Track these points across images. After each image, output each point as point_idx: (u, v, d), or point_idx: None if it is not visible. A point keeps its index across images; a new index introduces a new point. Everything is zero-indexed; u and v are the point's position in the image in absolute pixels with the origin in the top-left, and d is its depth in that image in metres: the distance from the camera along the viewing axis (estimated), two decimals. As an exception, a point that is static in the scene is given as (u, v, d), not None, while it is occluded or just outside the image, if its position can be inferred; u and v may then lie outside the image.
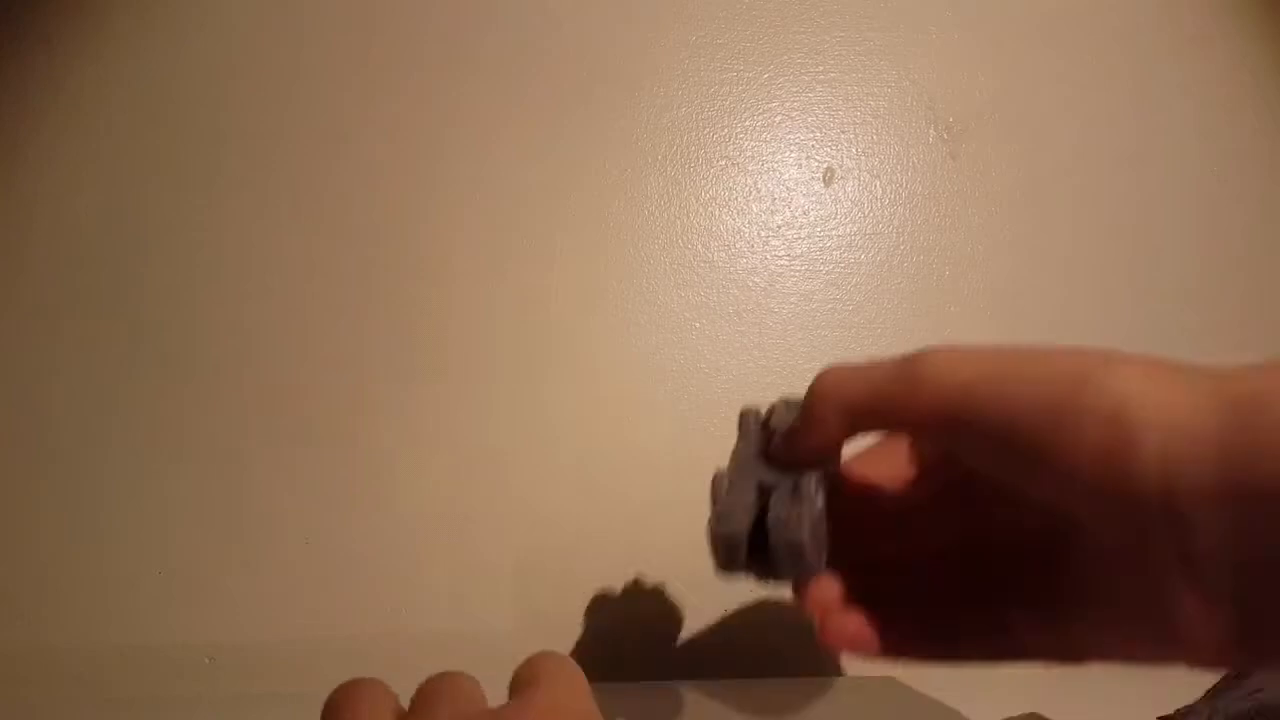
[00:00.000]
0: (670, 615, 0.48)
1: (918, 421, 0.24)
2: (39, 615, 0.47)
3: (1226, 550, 0.19)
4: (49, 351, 0.50)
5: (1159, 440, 0.19)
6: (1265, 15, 0.56)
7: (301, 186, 0.52)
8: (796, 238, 0.53)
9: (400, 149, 0.53)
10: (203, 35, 0.54)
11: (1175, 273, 0.54)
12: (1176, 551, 0.20)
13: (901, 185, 0.54)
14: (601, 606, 0.48)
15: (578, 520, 0.49)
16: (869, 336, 0.52)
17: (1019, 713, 0.39)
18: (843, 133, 0.55)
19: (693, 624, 0.48)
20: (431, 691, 0.22)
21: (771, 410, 0.31)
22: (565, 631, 0.48)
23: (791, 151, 0.55)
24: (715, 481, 0.29)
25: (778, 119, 0.55)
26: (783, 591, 0.29)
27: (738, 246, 0.53)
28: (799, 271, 0.53)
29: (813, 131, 0.55)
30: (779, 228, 0.54)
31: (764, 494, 0.27)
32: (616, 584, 0.48)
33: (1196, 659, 0.21)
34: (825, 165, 0.54)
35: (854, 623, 0.27)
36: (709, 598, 0.48)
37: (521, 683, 0.22)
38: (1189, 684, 0.38)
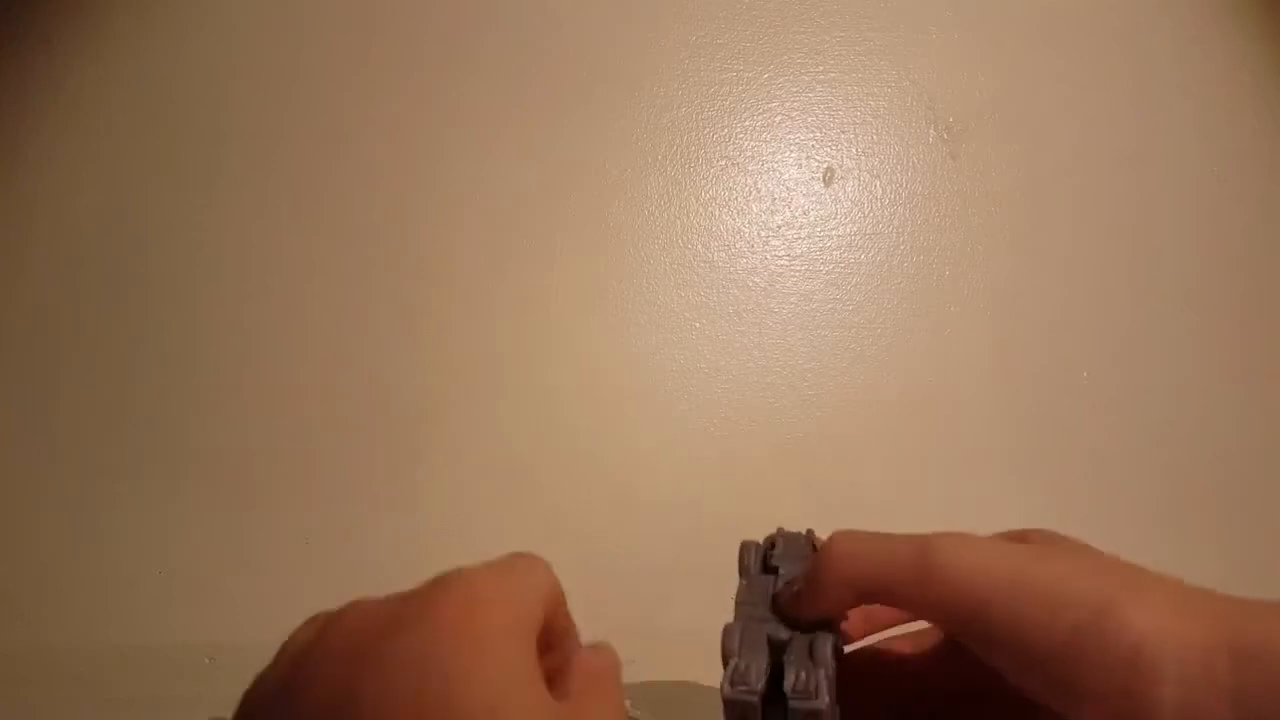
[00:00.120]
0: (669, 614, 0.48)
1: (926, 614, 0.25)
2: (39, 615, 0.47)
3: None
4: (49, 351, 0.50)
5: (1176, 695, 0.20)
6: (1265, 15, 0.56)
7: (301, 186, 0.52)
8: (796, 238, 0.53)
9: (400, 149, 0.53)
10: (203, 35, 0.54)
11: (1175, 273, 0.54)
12: None
13: (901, 185, 0.54)
14: (601, 605, 0.48)
15: (577, 519, 0.49)
16: (869, 336, 0.52)
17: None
18: (843, 133, 0.55)
19: (692, 623, 0.48)
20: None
21: (771, 544, 0.31)
22: (565, 631, 0.48)
23: (791, 151, 0.55)
24: (726, 635, 0.29)
25: (778, 119, 0.55)
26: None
27: (738, 246, 0.53)
28: (799, 271, 0.53)
29: (813, 131, 0.55)
30: (779, 228, 0.54)
31: (775, 650, 0.28)
32: (616, 582, 0.48)
33: None
34: (825, 165, 0.54)
35: None
36: (707, 596, 0.48)
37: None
38: None
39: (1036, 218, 0.54)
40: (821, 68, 0.55)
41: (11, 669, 0.46)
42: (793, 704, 0.26)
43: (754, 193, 0.54)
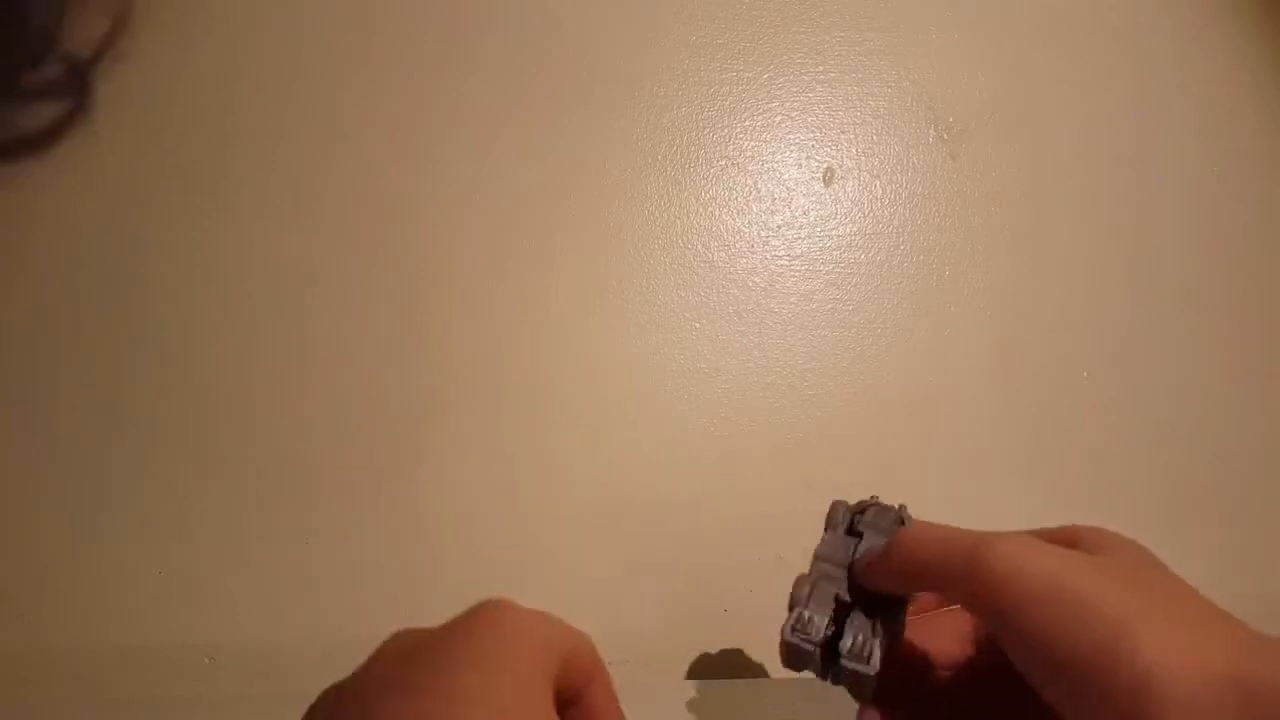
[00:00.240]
0: (669, 614, 0.48)
1: (970, 610, 0.26)
2: (39, 615, 0.47)
3: None
4: (50, 351, 0.50)
5: None
6: (1265, 15, 0.56)
7: (302, 186, 0.52)
8: (796, 238, 0.53)
9: (400, 149, 0.53)
10: (203, 35, 0.54)
11: (1175, 273, 0.54)
12: None
13: (901, 185, 0.54)
14: (601, 605, 0.48)
15: (578, 519, 0.49)
16: (869, 336, 0.52)
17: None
18: (843, 133, 0.55)
19: (692, 623, 0.48)
20: None
21: (862, 509, 0.33)
22: (565, 631, 0.48)
23: (791, 151, 0.55)
24: (797, 584, 0.30)
25: (778, 119, 0.55)
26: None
27: (738, 246, 0.53)
28: (799, 271, 0.53)
29: (813, 131, 0.55)
30: (779, 228, 0.54)
31: (841, 609, 0.29)
32: (616, 582, 0.48)
33: None
34: (825, 165, 0.54)
35: None
36: (708, 596, 0.48)
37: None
38: None
39: (1036, 218, 0.54)
40: (821, 68, 0.55)
41: (11, 669, 0.46)
42: (844, 663, 0.28)
43: (754, 193, 0.54)
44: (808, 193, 0.54)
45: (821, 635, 0.29)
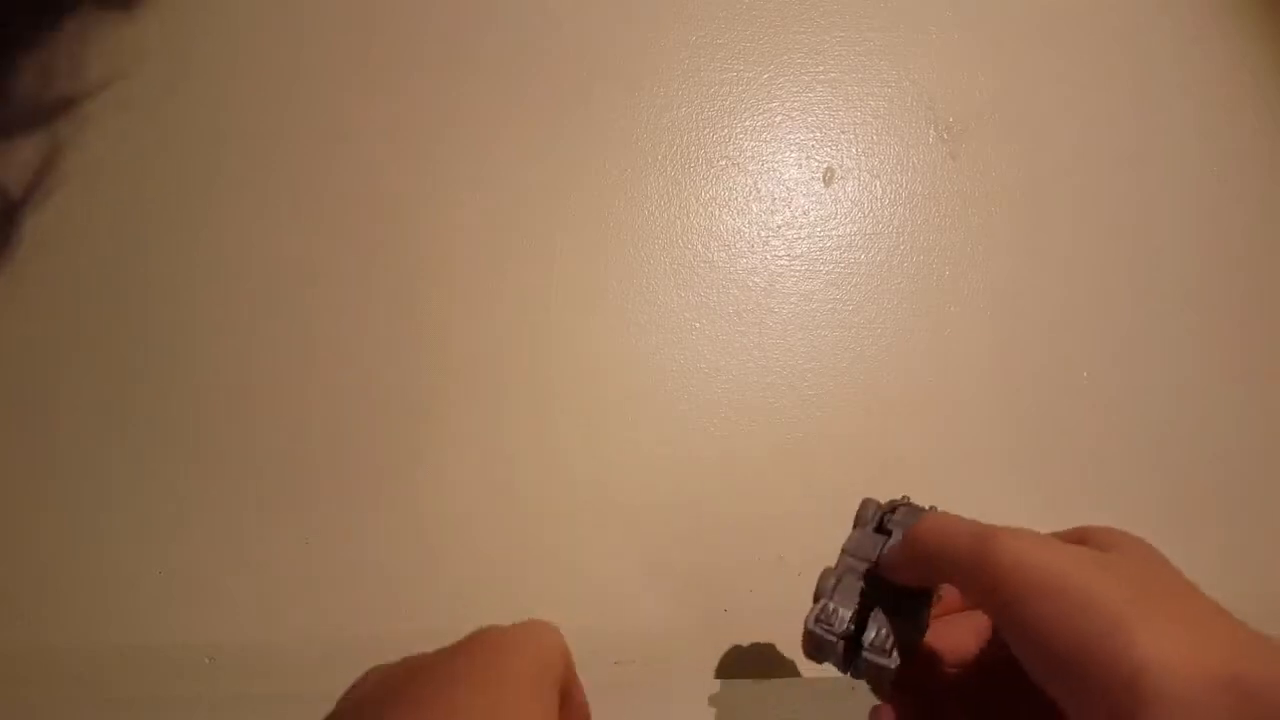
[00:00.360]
0: (669, 614, 0.48)
1: (975, 600, 0.26)
2: (39, 615, 0.47)
3: None
4: (50, 351, 0.50)
5: None
6: (1265, 15, 0.56)
7: (301, 186, 0.52)
8: (796, 238, 0.53)
9: (400, 149, 0.53)
10: (203, 35, 0.54)
11: (1175, 273, 0.54)
12: None
13: (901, 185, 0.54)
14: (601, 605, 0.48)
15: (577, 519, 0.49)
16: (869, 336, 0.52)
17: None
18: (843, 133, 0.55)
19: (692, 623, 0.48)
20: None
21: (893, 508, 0.33)
22: (566, 631, 0.47)
23: (791, 151, 0.55)
24: (823, 576, 0.31)
25: (778, 119, 0.55)
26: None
27: (738, 246, 0.53)
28: (799, 271, 0.53)
29: (813, 131, 0.55)
30: (779, 228, 0.54)
31: (865, 603, 0.30)
32: (616, 583, 0.48)
33: None
34: (825, 165, 0.54)
35: None
36: (708, 596, 0.48)
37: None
38: None
39: (1036, 218, 0.54)
40: (821, 68, 0.55)
41: (11, 669, 0.46)
42: (866, 655, 0.28)
43: (754, 193, 0.54)
44: (808, 193, 0.54)
45: (845, 627, 0.29)
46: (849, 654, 0.29)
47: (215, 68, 0.54)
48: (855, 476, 0.50)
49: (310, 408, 0.50)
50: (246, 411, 0.50)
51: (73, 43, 0.50)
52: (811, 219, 0.54)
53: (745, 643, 0.48)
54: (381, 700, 0.21)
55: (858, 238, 0.54)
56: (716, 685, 0.44)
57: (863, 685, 0.30)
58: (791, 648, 0.47)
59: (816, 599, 0.30)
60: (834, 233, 0.54)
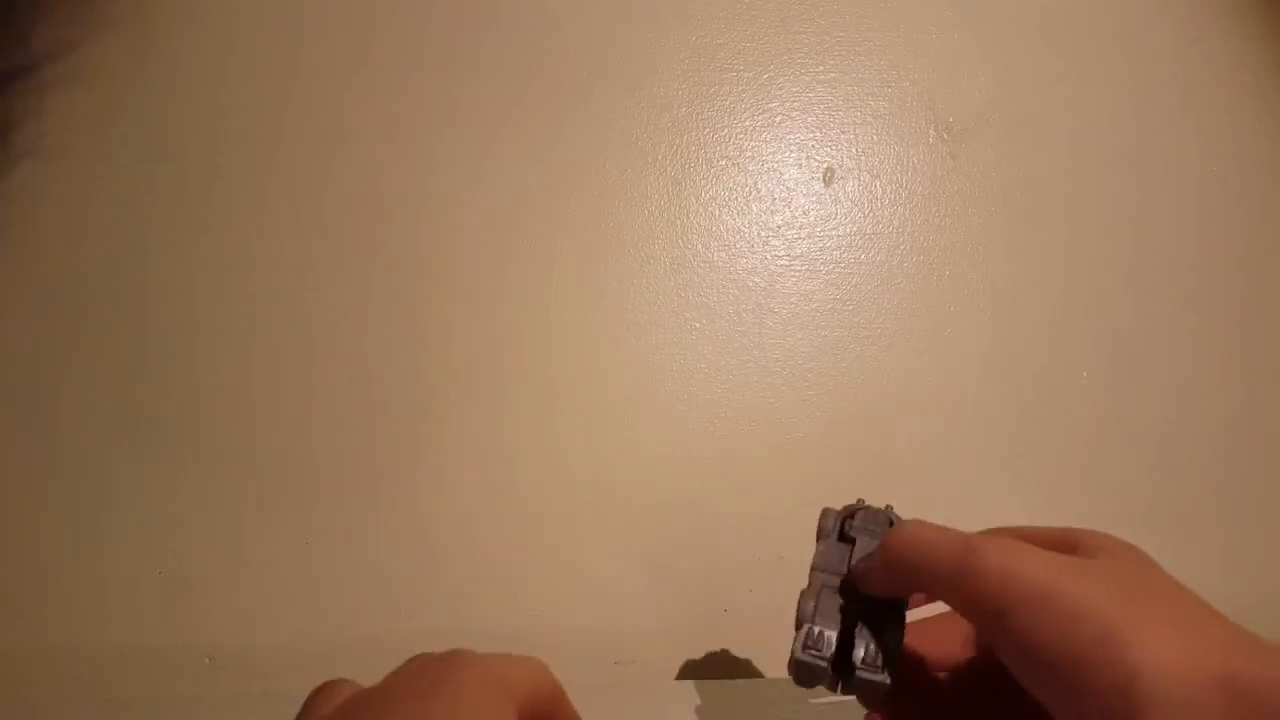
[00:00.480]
0: (669, 614, 0.48)
1: (961, 611, 0.26)
2: (39, 615, 0.47)
3: None
4: (50, 352, 0.50)
5: None
6: (1265, 15, 0.56)
7: (301, 187, 0.52)
8: (796, 238, 0.53)
9: (400, 149, 0.53)
10: (203, 35, 0.54)
11: (1175, 273, 0.54)
12: None
13: (901, 185, 0.54)
14: (601, 605, 0.48)
15: (577, 519, 0.49)
16: (869, 336, 0.52)
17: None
18: (843, 133, 0.55)
19: (692, 623, 0.48)
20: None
21: (851, 514, 0.33)
22: (566, 631, 0.48)
23: (791, 151, 0.55)
24: (802, 600, 0.30)
25: (778, 119, 0.55)
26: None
27: (738, 246, 0.53)
28: (799, 271, 0.53)
29: (813, 131, 0.55)
30: (779, 228, 0.54)
31: (846, 619, 0.30)
32: (616, 583, 0.48)
33: None
34: (825, 165, 0.54)
35: None
36: (708, 596, 0.48)
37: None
38: None
39: (1036, 218, 0.54)
40: (821, 68, 0.55)
41: (11, 669, 0.46)
42: (860, 674, 0.28)
43: (754, 193, 0.54)
44: (808, 193, 0.54)
45: (833, 650, 0.29)
46: (839, 674, 0.29)
47: (215, 68, 0.53)
48: (855, 476, 0.50)
49: (310, 408, 0.50)
50: (246, 411, 0.50)
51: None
52: (811, 219, 0.54)
53: (745, 643, 0.48)
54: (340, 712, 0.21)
55: (858, 238, 0.54)
56: (717, 685, 0.44)
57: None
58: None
59: (799, 625, 0.30)
60: (834, 233, 0.54)
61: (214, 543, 0.48)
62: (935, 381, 0.52)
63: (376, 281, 0.51)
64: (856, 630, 0.29)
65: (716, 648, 0.48)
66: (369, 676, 0.24)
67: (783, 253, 0.53)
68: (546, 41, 0.54)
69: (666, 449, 0.50)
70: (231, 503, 0.48)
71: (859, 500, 0.34)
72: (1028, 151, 0.55)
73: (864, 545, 0.31)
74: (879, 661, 0.28)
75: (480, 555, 0.48)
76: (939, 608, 0.29)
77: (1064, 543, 0.27)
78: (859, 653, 0.28)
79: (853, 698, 0.29)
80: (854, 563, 0.31)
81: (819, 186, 0.54)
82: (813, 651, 0.29)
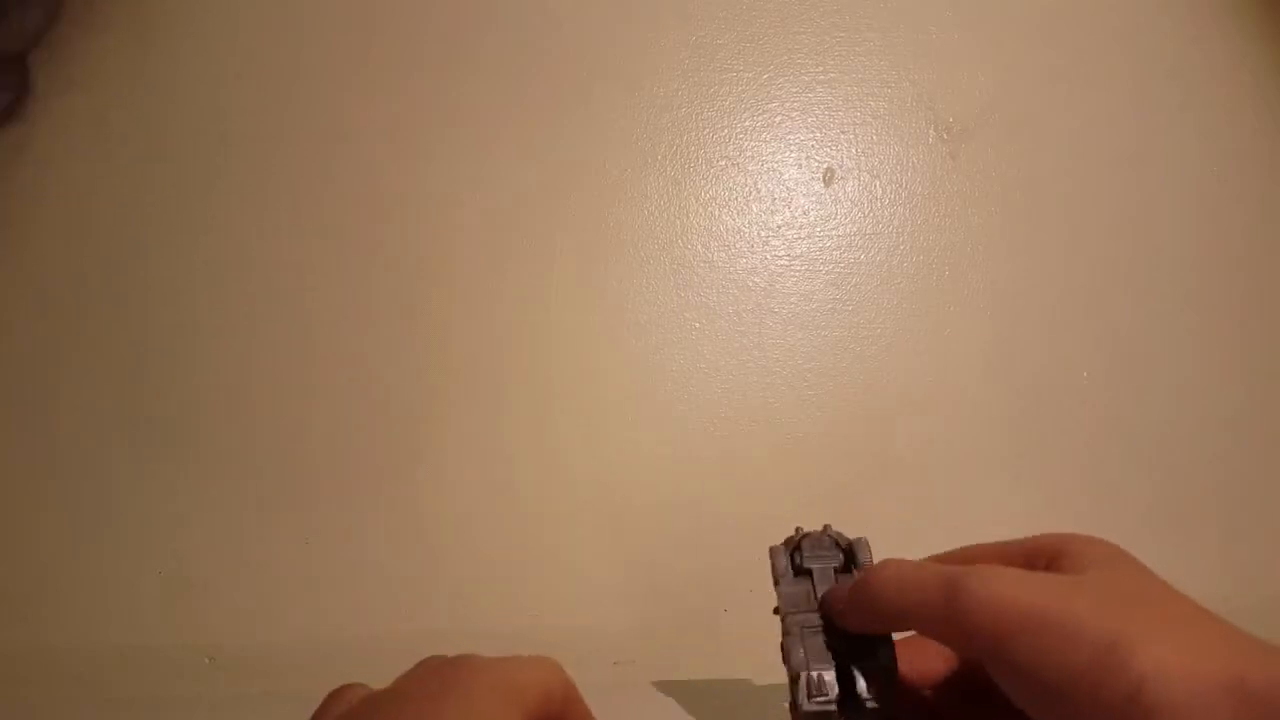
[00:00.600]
0: (669, 614, 0.48)
1: (953, 647, 0.26)
2: (39, 615, 0.47)
3: None
4: (50, 351, 0.50)
5: None
6: (1265, 15, 0.56)
7: (301, 187, 0.52)
8: (796, 238, 0.53)
9: (400, 149, 0.53)
10: (203, 35, 0.54)
11: (1175, 273, 0.54)
12: None
13: (901, 185, 0.54)
14: (601, 605, 0.48)
15: (577, 519, 0.49)
16: (869, 336, 0.52)
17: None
18: (843, 133, 0.55)
19: (692, 623, 0.48)
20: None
21: (796, 545, 0.32)
22: (565, 631, 0.48)
23: (791, 151, 0.55)
24: (789, 652, 0.30)
25: (778, 119, 0.55)
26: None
27: (738, 246, 0.53)
28: (799, 271, 0.53)
29: (813, 131, 0.55)
30: (779, 228, 0.54)
31: (836, 654, 0.29)
32: (616, 583, 0.48)
33: None
34: (825, 165, 0.54)
35: None
36: (708, 596, 0.48)
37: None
38: None
39: (1036, 218, 0.54)
40: (821, 68, 0.55)
41: (11, 669, 0.46)
42: (869, 706, 0.28)
43: (754, 193, 0.54)
44: (808, 193, 0.54)
45: (837, 691, 0.28)
46: (847, 713, 0.29)
47: (215, 68, 0.54)
48: (855, 476, 0.50)
49: (310, 408, 0.50)
50: (246, 411, 0.50)
51: None
52: (811, 219, 0.54)
53: (745, 643, 0.48)
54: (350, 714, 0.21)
55: (858, 238, 0.54)
56: (717, 685, 0.44)
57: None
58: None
59: (794, 676, 0.29)
60: (834, 233, 0.54)
61: (214, 543, 0.48)
62: (935, 381, 0.52)
63: (376, 281, 0.51)
64: (854, 665, 0.29)
65: (716, 648, 0.48)
66: (369, 676, 0.24)
67: (783, 253, 0.53)
68: (546, 41, 0.54)
69: (666, 449, 0.50)
70: (231, 503, 0.48)
71: (797, 529, 0.34)
72: (1028, 151, 0.55)
73: (822, 574, 0.31)
74: (882, 688, 0.28)
75: (480, 555, 0.48)
76: None
77: (1044, 552, 0.26)
78: (861, 684, 0.28)
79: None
80: (820, 594, 0.31)
81: (819, 186, 0.54)
82: (819, 699, 0.28)
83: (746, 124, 0.55)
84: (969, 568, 0.25)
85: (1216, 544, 0.51)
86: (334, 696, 0.23)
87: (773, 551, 0.33)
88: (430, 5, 0.54)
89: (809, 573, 0.32)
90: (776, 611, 0.31)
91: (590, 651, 0.47)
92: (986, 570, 0.24)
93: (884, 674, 0.28)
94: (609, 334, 0.51)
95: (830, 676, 0.28)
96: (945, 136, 0.55)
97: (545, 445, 0.50)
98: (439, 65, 0.54)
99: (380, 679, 0.23)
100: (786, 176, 0.54)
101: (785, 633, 0.30)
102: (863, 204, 0.54)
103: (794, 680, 0.29)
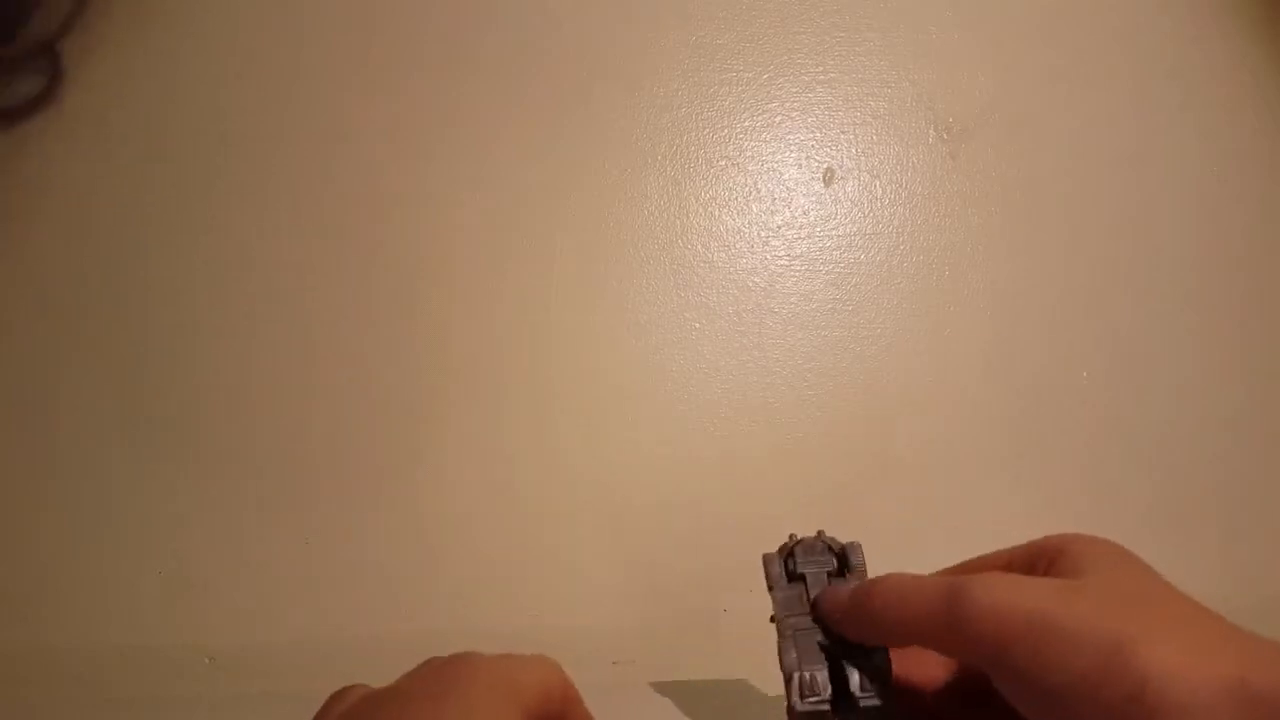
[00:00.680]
0: (669, 614, 0.48)
1: (956, 655, 0.25)
2: (39, 615, 0.47)
3: None
4: (50, 351, 0.50)
5: None
6: (1265, 15, 0.56)
7: (301, 187, 0.52)
8: (796, 238, 0.53)
9: (400, 149, 0.53)
10: (203, 35, 0.54)
11: (1175, 273, 0.54)
12: None
13: (901, 185, 0.54)
14: (601, 605, 0.48)
15: (577, 519, 0.49)
16: (869, 336, 0.52)
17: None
18: (843, 133, 0.55)
19: (692, 623, 0.48)
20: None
21: (790, 551, 0.33)
22: (565, 631, 0.48)
23: (791, 151, 0.55)
24: (783, 654, 0.30)
25: (778, 119, 0.55)
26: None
27: (738, 246, 0.53)
28: (799, 271, 0.53)
29: (813, 132, 0.55)
30: (779, 228, 0.54)
31: (829, 654, 0.29)
32: (616, 583, 0.48)
33: None
34: (825, 165, 0.54)
35: None
36: (708, 596, 0.48)
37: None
38: None
39: (1036, 218, 0.54)
40: (821, 68, 0.55)
41: (11, 669, 0.46)
42: (863, 704, 0.28)
43: (754, 193, 0.54)
44: (808, 193, 0.54)
45: (830, 690, 0.29)
46: (841, 711, 0.29)
47: (215, 68, 0.54)
48: (855, 476, 0.50)
49: (310, 408, 0.50)
50: (246, 411, 0.50)
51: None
52: (811, 219, 0.54)
53: (745, 642, 0.48)
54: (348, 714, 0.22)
55: (858, 238, 0.54)
56: (716, 685, 0.44)
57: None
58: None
59: (788, 678, 0.29)
60: (834, 233, 0.54)
61: (214, 543, 0.48)
62: (935, 381, 0.52)
63: (376, 281, 0.51)
64: (846, 664, 0.29)
65: (716, 648, 0.48)
66: (369, 676, 0.24)
67: (783, 253, 0.53)
68: (546, 41, 0.54)
69: (666, 449, 0.50)
70: (231, 503, 0.48)
71: (790, 536, 0.34)
72: (1028, 151, 0.55)
73: (815, 579, 0.32)
74: (877, 687, 0.28)
75: (480, 555, 0.48)
76: None
77: (1045, 555, 0.26)
78: (854, 682, 0.28)
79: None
80: (815, 599, 0.31)
81: (819, 187, 0.54)
82: (811, 699, 0.28)
83: (746, 124, 0.55)
84: (970, 576, 0.25)
85: (1216, 544, 0.50)
86: (336, 697, 0.23)
87: (766, 559, 0.34)
88: (430, 5, 0.55)
89: (802, 577, 0.32)
90: (773, 619, 0.32)
91: (590, 651, 0.47)
92: (988, 577, 0.25)
93: (878, 673, 0.28)
94: (609, 334, 0.51)
95: (823, 676, 0.29)
96: (945, 136, 0.55)
97: (545, 445, 0.50)
98: (439, 65, 0.54)
99: (380, 679, 0.23)
100: (786, 176, 0.54)
101: (780, 635, 0.31)
102: (863, 204, 0.54)
103: (788, 681, 0.29)
